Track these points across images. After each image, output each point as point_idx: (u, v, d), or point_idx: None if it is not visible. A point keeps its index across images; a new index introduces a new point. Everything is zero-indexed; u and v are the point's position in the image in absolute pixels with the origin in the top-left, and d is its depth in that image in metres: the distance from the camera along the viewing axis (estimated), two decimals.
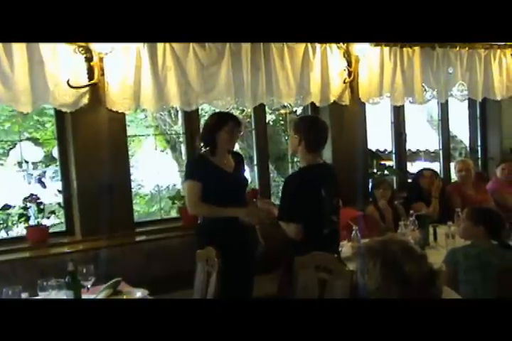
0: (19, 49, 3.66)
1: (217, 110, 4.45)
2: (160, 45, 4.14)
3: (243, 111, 6.28)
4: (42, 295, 2.78)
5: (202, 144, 3.53)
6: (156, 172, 5.35)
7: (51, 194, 4.34)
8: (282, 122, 7.66)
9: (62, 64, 3.83)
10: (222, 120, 3.47)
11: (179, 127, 6.70)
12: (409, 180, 5.49)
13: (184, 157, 5.38)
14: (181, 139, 6.41)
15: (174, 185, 6.58)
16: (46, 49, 3.75)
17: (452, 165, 5.81)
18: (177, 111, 6.56)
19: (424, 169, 5.09)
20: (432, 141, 6.95)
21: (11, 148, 7.11)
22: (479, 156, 6.47)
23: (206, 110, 5.78)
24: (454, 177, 5.78)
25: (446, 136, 6.26)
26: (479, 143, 6.47)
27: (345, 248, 3.65)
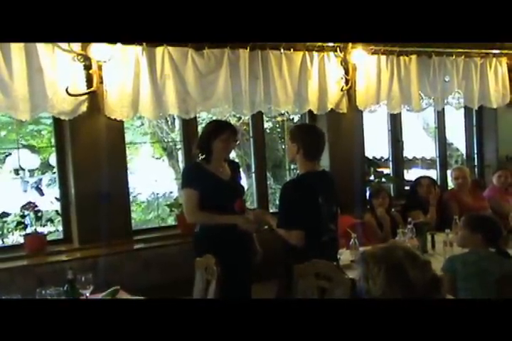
0: (18, 56, 3.66)
1: (214, 118, 4.46)
2: (158, 53, 4.16)
3: (240, 118, 6.30)
4: None
5: (198, 152, 3.54)
6: (152, 179, 5.34)
7: (47, 201, 4.32)
8: (279, 129, 7.67)
9: (61, 72, 3.84)
10: (219, 129, 3.47)
11: (176, 134, 6.71)
12: (407, 188, 5.48)
13: (181, 164, 5.38)
14: (178, 146, 6.41)
15: (171, 193, 6.56)
16: (45, 57, 3.76)
17: (449, 172, 5.83)
18: (174, 119, 6.57)
19: (422, 177, 5.08)
20: (428, 149, 6.97)
21: (7, 156, 7.09)
22: (476, 164, 6.49)
23: (203, 118, 5.78)
24: (450, 184, 5.79)
25: (442, 144, 6.29)
26: (475, 151, 6.50)
27: (344, 256, 3.64)
